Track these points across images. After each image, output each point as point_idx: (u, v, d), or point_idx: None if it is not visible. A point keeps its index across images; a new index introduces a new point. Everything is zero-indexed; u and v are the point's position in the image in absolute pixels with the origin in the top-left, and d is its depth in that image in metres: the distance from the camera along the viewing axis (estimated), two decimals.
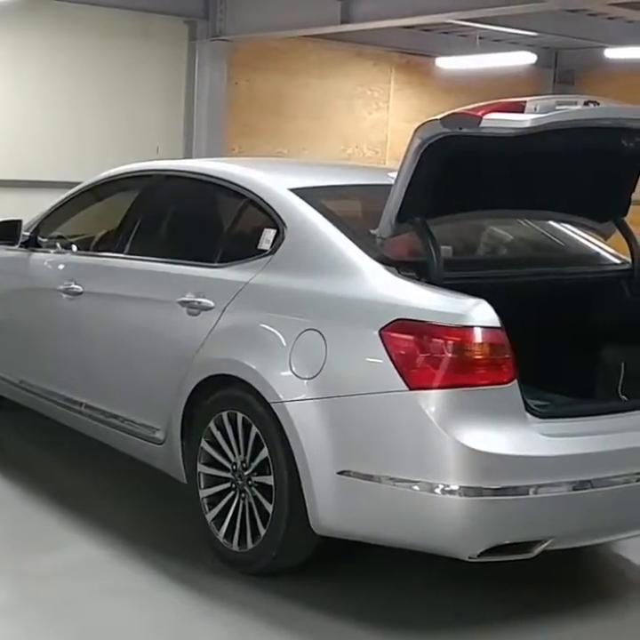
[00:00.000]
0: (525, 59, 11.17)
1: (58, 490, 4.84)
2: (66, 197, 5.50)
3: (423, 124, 3.57)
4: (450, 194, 3.81)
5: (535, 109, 3.46)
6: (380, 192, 4.58)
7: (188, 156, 10.08)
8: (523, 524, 3.46)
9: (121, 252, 4.83)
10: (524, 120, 3.40)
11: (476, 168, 3.68)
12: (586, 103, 3.59)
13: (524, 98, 3.53)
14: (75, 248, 5.34)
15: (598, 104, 3.61)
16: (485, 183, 3.85)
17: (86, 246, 5.29)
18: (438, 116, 3.52)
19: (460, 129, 3.47)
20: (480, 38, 10.54)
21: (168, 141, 10.21)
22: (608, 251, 4.53)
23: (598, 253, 4.51)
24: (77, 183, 5.51)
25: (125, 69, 9.98)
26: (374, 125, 11.82)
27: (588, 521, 3.60)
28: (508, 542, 3.46)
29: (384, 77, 11.87)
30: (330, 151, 11.34)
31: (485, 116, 3.42)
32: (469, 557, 3.45)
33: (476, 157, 3.60)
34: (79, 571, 4.04)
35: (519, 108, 3.47)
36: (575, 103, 3.58)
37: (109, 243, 5.02)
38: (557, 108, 3.51)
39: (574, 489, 3.46)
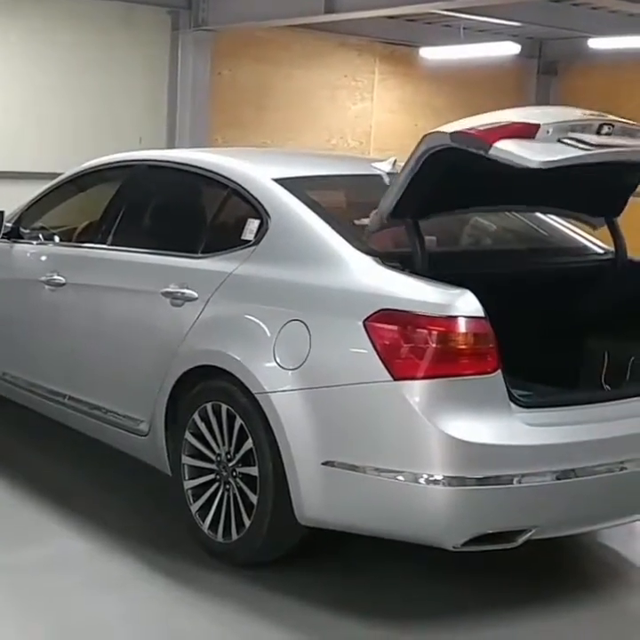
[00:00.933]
0: (509, 49, 11.17)
1: (42, 483, 4.82)
2: (48, 188, 5.47)
3: (432, 133, 3.52)
4: (447, 196, 3.81)
5: (548, 133, 3.46)
6: (364, 182, 4.62)
7: (171, 146, 10.02)
8: (507, 514, 3.47)
9: (103, 242, 4.81)
10: (534, 160, 3.37)
11: (474, 175, 3.63)
12: (602, 126, 3.60)
13: (537, 121, 3.48)
14: (57, 239, 5.31)
15: (613, 126, 3.63)
16: (482, 188, 3.83)
17: (69, 237, 5.26)
18: (448, 130, 3.48)
19: (468, 148, 3.45)
20: (464, 28, 10.52)
21: (151, 132, 10.15)
22: (592, 241, 4.55)
23: (582, 243, 4.52)
24: (59, 174, 5.47)
25: (108, 60, 9.92)
26: (358, 116, 11.79)
27: (571, 510, 3.61)
28: (491, 532, 3.47)
29: (368, 68, 11.84)
30: (314, 142, 11.31)
31: (495, 144, 3.38)
32: (453, 547, 3.46)
33: (475, 167, 3.56)
34: (64, 564, 4.03)
35: (532, 132, 3.46)
36: (591, 126, 3.58)
37: (92, 234, 4.99)
38: (570, 134, 3.52)
39: (558, 478, 3.47)
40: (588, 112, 3.74)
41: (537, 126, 3.47)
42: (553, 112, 3.82)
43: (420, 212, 3.75)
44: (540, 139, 3.47)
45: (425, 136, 3.56)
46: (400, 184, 3.67)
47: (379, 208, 3.77)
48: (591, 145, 3.52)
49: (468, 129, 3.48)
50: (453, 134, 3.46)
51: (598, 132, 3.61)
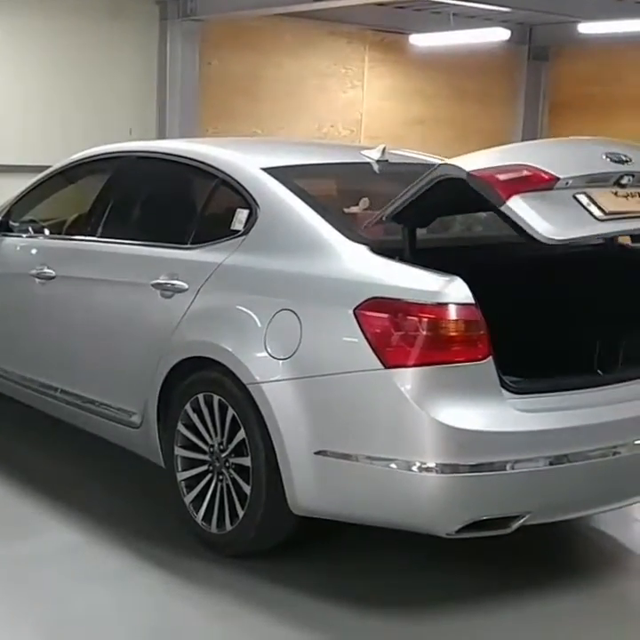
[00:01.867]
0: (499, 35, 11.13)
1: (34, 476, 4.82)
2: (38, 181, 5.44)
3: (450, 164, 3.46)
4: (449, 210, 3.87)
5: (566, 184, 3.46)
6: (353, 170, 4.60)
7: (161, 137, 9.99)
8: (500, 500, 3.47)
9: (93, 235, 4.79)
10: (541, 234, 3.36)
11: (480, 201, 3.56)
12: (622, 177, 3.58)
13: (557, 170, 3.44)
14: (47, 232, 5.29)
15: (633, 177, 3.60)
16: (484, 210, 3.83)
17: (58, 230, 5.25)
18: (467, 167, 3.41)
19: (481, 193, 3.41)
20: (454, 15, 10.48)
21: (141, 123, 10.12)
22: None
23: None
24: (47, 167, 5.45)
25: (96, 51, 9.88)
26: (349, 104, 11.76)
27: (565, 495, 3.62)
28: (485, 518, 3.46)
29: (358, 56, 11.80)
30: (305, 130, 11.28)
31: (509, 201, 3.36)
32: (447, 534, 3.46)
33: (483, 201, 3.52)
34: (57, 556, 4.02)
35: (550, 184, 3.44)
36: (611, 178, 3.57)
37: (81, 226, 4.97)
38: (587, 190, 3.51)
39: (551, 464, 3.47)
40: (610, 149, 3.68)
41: (556, 179, 3.45)
42: (576, 155, 3.76)
43: (419, 222, 3.73)
44: (556, 193, 3.46)
45: (442, 164, 3.49)
46: (408, 196, 3.63)
47: (383, 208, 3.73)
48: (605, 213, 3.51)
49: (486, 173, 3.40)
50: (470, 175, 3.40)
51: (618, 183, 3.61)
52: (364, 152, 4.59)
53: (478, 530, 3.48)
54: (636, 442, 3.70)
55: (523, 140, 12.95)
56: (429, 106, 12.21)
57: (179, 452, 4.08)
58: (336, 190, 4.65)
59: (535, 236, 3.38)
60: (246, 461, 3.78)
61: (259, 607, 3.62)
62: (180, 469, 4.08)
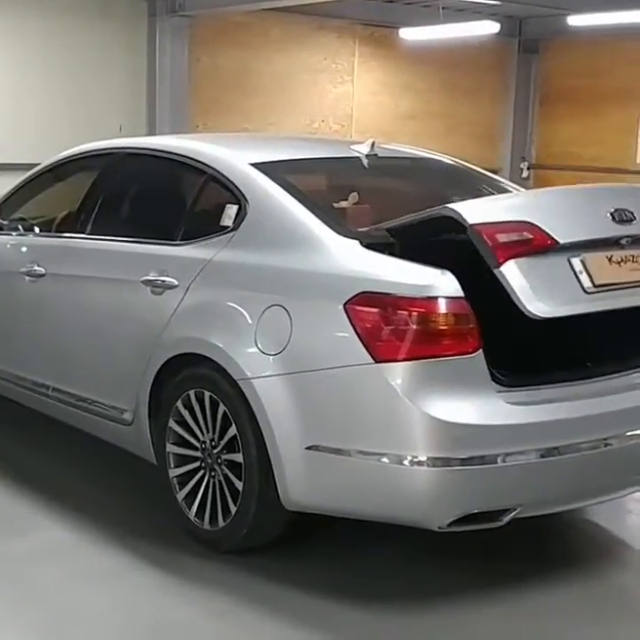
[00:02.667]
0: (489, 28, 11.11)
1: (28, 474, 4.81)
2: (27, 178, 5.43)
3: (455, 210, 3.44)
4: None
5: (564, 248, 3.51)
6: (342, 165, 4.60)
7: (151, 133, 9.97)
8: (491, 493, 3.48)
9: (83, 232, 4.78)
10: (527, 309, 3.43)
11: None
12: (621, 239, 3.63)
13: (556, 236, 3.47)
14: (37, 230, 5.27)
15: (631, 239, 3.66)
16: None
17: (48, 227, 5.23)
18: (470, 217, 3.41)
19: (478, 246, 3.42)
20: (443, 8, 10.46)
21: (131, 119, 10.10)
22: None
23: None
24: (36, 165, 5.43)
25: (86, 49, 9.85)
26: (339, 99, 11.74)
27: (556, 488, 3.62)
28: (476, 511, 3.47)
29: (348, 50, 11.78)
30: (296, 126, 11.27)
31: (503, 266, 3.41)
32: (439, 528, 3.46)
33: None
34: (51, 554, 4.01)
35: (548, 247, 3.49)
36: (609, 239, 3.62)
37: (71, 223, 4.96)
38: (583, 255, 3.57)
39: (542, 456, 3.48)
40: (618, 203, 3.68)
41: (556, 243, 3.49)
42: (581, 212, 3.73)
43: (411, 241, 3.71)
44: (552, 256, 3.51)
45: (449, 207, 3.48)
46: (408, 221, 3.68)
47: (387, 222, 3.76)
48: (594, 285, 3.57)
49: (488, 230, 3.41)
50: (472, 227, 3.41)
51: (618, 243, 3.66)
52: (354, 147, 4.59)
53: (470, 523, 3.49)
54: (628, 433, 3.71)
55: (513, 133, 12.98)
56: (420, 100, 12.20)
57: (170, 448, 4.08)
58: (325, 185, 4.65)
59: (521, 307, 3.44)
60: (238, 457, 3.78)
61: (252, 603, 3.62)
62: (172, 466, 4.08)
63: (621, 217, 3.66)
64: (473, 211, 3.48)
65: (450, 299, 3.41)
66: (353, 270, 3.62)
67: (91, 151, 5.09)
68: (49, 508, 4.41)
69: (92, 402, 4.58)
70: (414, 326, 3.40)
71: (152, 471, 4.29)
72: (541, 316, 3.46)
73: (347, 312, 3.50)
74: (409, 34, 11.53)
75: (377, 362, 3.43)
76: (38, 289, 4.88)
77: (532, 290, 3.45)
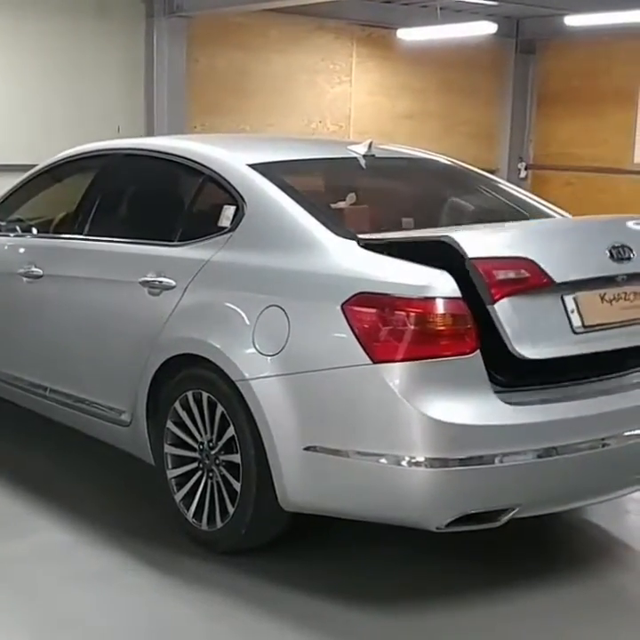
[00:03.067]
0: (486, 28, 11.11)
1: (25, 476, 4.81)
2: (25, 179, 5.43)
3: (457, 240, 3.44)
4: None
5: (560, 287, 3.53)
6: (340, 165, 4.60)
7: (149, 134, 9.95)
8: (489, 494, 3.47)
9: (80, 233, 4.78)
10: (518, 351, 3.46)
11: None
12: (617, 276, 3.65)
13: (553, 274, 3.48)
14: (34, 231, 5.27)
15: (627, 277, 3.69)
16: None
17: (46, 229, 5.23)
18: (471, 251, 3.42)
19: (474, 280, 3.43)
20: (441, 9, 10.46)
21: (129, 120, 10.08)
22: (567, 216, 4.54)
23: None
24: (33, 166, 5.43)
25: (83, 49, 9.83)
26: (337, 99, 11.74)
27: (554, 488, 3.62)
28: (474, 512, 3.47)
29: (346, 51, 11.77)
30: (294, 126, 11.25)
31: (497, 304, 3.42)
32: (437, 528, 3.46)
33: None
34: (47, 556, 4.01)
35: (544, 286, 3.52)
36: (602, 279, 3.66)
37: (69, 224, 4.96)
38: (577, 294, 3.59)
39: (540, 456, 3.48)
40: (619, 238, 3.70)
41: (551, 282, 3.51)
42: (580, 248, 3.74)
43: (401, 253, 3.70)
44: (546, 294, 3.54)
45: (448, 236, 3.48)
46: (406, 239, 3.71)
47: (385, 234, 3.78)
48: (584, 326, 3.60)
49: (487, 265, 3.42)
50: (471, 261, 3.42)
51: (613, 279, 3.67)
52: (351, 147, 4.59)
53: (468, 523, 3.48)
54: (626, 433, 3.70)
55: (511, 134, 12.98)
56: (417, 100, 12.19)
57: (168, 449, 4.08)
58: (323, 186, 4.65)
59: (509, 347, 3.45)
60: (236, 458, 3.78)
61: (250, 605, 3.62)
62: (170, 467, 4.08)
63: (620, 254, 3.68)
64: (473, 242, 3.48)
65: (447, 299, 3.41)
66: (350, 271, 3.62)
67: (88, 152, 5.09)
68: (46, 510, 4.40)
69: (90, 403, 4.57)
70: (412, 327, 3.40)
71: (150, 472, 4.28)
72: (528, 357, 3.48)
73: (344, 313, 3.50)
74: (406, 34, 11.53)
75: (375, 362, 3.43)
76: (36, 290, 4.87)
77: (521, 329, 3.47)
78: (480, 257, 3.44)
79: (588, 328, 3.63)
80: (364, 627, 3.51)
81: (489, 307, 3.44)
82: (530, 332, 3.50)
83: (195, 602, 3.65)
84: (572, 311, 3.61)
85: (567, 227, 3.90)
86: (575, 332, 3.61)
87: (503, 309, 3.45)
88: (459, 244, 3.43)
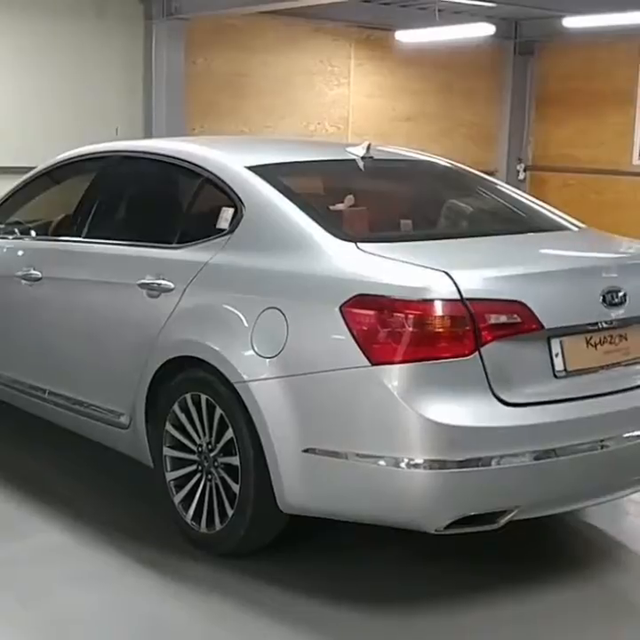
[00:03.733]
0: (485, 30, 11.10)
1: (22, 478, 4.80)
2: (23, 182, 5.43)
3: (451, 275, 3.44)
4: None
5: (547, 332, 3.53)
6: (338, 167, 4.60)
7: (147, 136, 9.94)
8: (488, 495, 3.47)
9: (79, 235, 4.78)
10: (498, 396, 3.44)
11: None
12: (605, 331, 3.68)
13: (544, 320, 3.48)
14: (33, 233, 5.27)
15: (617, 338, 3.73)
16: None
17: (44, 231, 5.22)
18: (465, 292, 3.41)
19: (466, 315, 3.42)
20: (439, 10, 10.45)
21: (127, 122, 10.07)
22: (566, 218, 4.54)
23: (558, 222, 4.51)
24: (34, 168, 5.43)
25: (82, 51, 9.83)
26: (336, 101, 11.73)
27: (553, 489, 3.62)
28: (473, 514, 3.47)
29: (344, 53, 11.77)
30: (292, 128, 11.25)
31: (485, 347, 3.40)
32: (436, 530, 3.46)
33: None
34: (45, 558, 4.01)
35: (533, 330, 3.50)
36: (588, 331, 3.67)
37: (67, 227, 4.96)
38: (563, 337, 3.58)
39: (538, 458, 3.47)
40: (613, 282, 3.70)
41: (541, 328, 3.51)
42: (574, 291, 3.70)
43: None
44: (534, 337, 3.52)
45: (444, 271, 3.46)
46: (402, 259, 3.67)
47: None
48: (566, 371, 3.60)
49: (479, 306, 3.41)
50: (465, 301, 3.40)
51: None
52: (349, 149, 4.60)
53: (467, 525, 3.48)
54: (624, 435, 3.70)
55: (509, 135, 12.98)
56: (416, 102, 12.19)
57: (167, 452, 4.08)
58: (321, 188, 4.65)
59: (489, 390, 3.44)
60: (235, 460, 3.78)
61: (249, 606, 3.62)
62: (168, 469, 4.08)
63: (612, 299, 3.68)
64: (469, 280, 3.45)
65: (446, 301, 3.41)
66: (349, 273, 3.62)
67: (87, 154, 5.09)
68: (44, 511, 4.40)
69: (89, 405, 4.57)
70: (410, 329, 3.40)
71: (149, 474, 4.28)
72: (504, 399, 3.47)
73: (343, 315, 3.50)
74: (405, 36, 11.53)
75: (373, 364, 3.43)
76: (35, 293, 4.87)
77: (503, 373, 3.46)
78: (475, 298, 3.42)
79: (569, 373, 3.63)
80: (364, 628, 3.51)
81: (478, 349, 3.41)
82: (511, 375, 3.50)
83: (193, 604, 3.65)
84: (557, 355, 3.60)
85: (565, 269, 3.83)
86: (556, 377, 3.60)
87: (489, 353, 3.43)
88: (455, 282, 3.41)
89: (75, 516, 4.35)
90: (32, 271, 4.87)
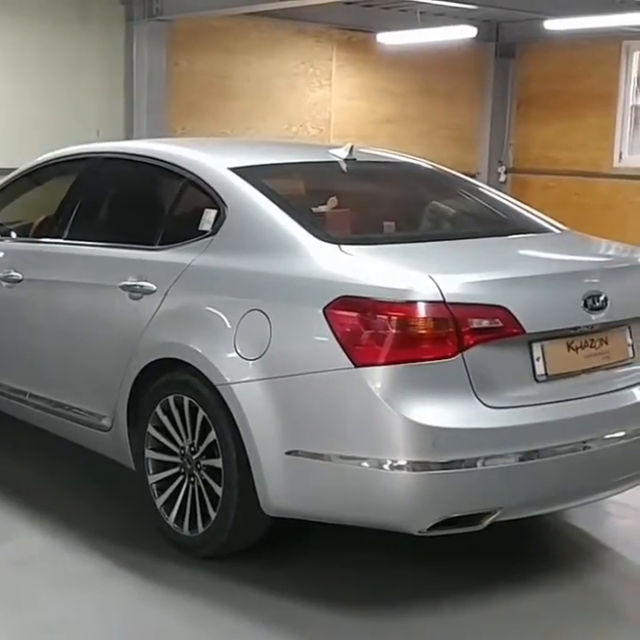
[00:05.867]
0: (466, 32, 11.14)
1: (5, 482, 4.77)
2: (3, 183, 5.40)
3: (434, 279, 3.43)
4: None
5: (529, 335, 3.56)
6: (320, 169, 4.60)
7: (129, 138, 9.91)
8: (471, 497, 3.48)
9: (60, 237, 4.76)
10: (480, 399, 3.45)
11: None
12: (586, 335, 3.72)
13: (526, 325, 3.49)
14: (14, 235, 5.24)
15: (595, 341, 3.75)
16: None
17: (25, 233, 5.20)
18: (448, 296, 3.41)
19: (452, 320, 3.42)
20: (421, 13, 10.47)
21: (109, 124, 10.03)
22: (548, 220, 4.56)
23: (540, 224, 4.53)
24: (15, 170, 5.40)
25: (63, 53, 9.78)
26: (317, 103, 11.73)
27: (536, 491, 3.63)
28: (456, 515, 3.47)
29: (326, 55, 11.77)
30: (274, 130, 11.24)
31: (468, 351, 3.41)
32: (419, 532, 3.46)
33: None
34: (27, 561, 3.98)
35: (514, 334, 3.51)
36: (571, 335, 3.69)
37: (48, 228, 4.94)
38: (545, 342, 3.61)
39: (521, 459, 3.48)
40: (595, 287, 3.70)
41: (523, 332, 3.52)
42: (557, 295, 3.71)
43: None
44: (515, 342, 3.53)
45: (428, 276, 3.46)
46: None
47: None
48: (547, 375, 3.60)
49: (460, 312, 3.42)
50: (447, 304, 3.41)
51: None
52: (332, 151, 4.60)
53: (450, 527, 3.49)
54: (606, 436, 3.72)
55: (491, 138, 13.02)
56: (398, 104, 12.21)
57: (149, 454, 4.06)
58: (304, 189, 4.64)
59: (472, 392, 3.45)
60: (217, 463, 3.77)
61: (232, 609, 3.60)
62: (151, 472, 4.06)
63: (594, 304, 3.70)
64: (451, 284, 3.45)
65: (429, 303, 3.41)
66: (332, 274, 3.62)
67: (68, 156, 5.07)
68: (24, 514, 4.38)
69: (70, 408, 4.55)
70: (394, 330, 3.40)
71: (131, 477, 4.26)
72: (487, 404, 3.47)
73: (326, 316, 3.50)
74: (387, 38, 11.54)
75: (357, 366, 3.43)
76: (15, 294, 4.85)
77: (485, 377, 3.48)
78: (457, 303, 3.43)
79: (550, 377, 3.64)
80: (349, 630, 3.50)
81: (459, 353, 3.42)
82: (492, 380, 3.51)
83: (177, 607, 3.64)
84: (538, 359, 3.61)
85: (546, 272, 3.83)
86: (537, 381, 3.62)
87: (471, 357, 3.44)
88: (438, 286, 3.41)
89: (57, 519, 4.32)
90: (13, 273, 4.85)
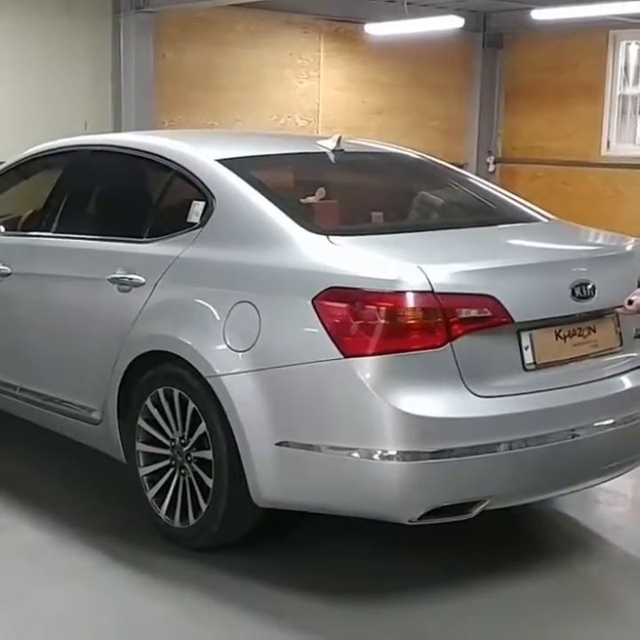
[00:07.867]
0: (453, 23, 11.13)
1: None
2: None
3: (423, 269, 3.44)
4: None
5: (517, 325, 3.57)
6: (308, 160, 4.60)
7: (117, 130, 9.89)
8: (461, 486, 3.49)
9: (48, 230, 4.74)
10: (469, 389, 3.47)
11: None
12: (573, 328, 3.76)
13: (514, 314, 3.51)
14: (1, 228, 5.23)
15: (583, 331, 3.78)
16: None
17: (13, 226, 5.18)
18: (437, 286, 3.42)
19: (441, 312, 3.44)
20: (408, 3, 10.45)
21: (97, 116, 10.01)
22: (536, 210, 4.57)
23: (528, 213, 4.54)
24: (2, 163, 5.38)
25: (49, 45, 9.74)
26: (305, 94, 11.71)
27: (525, 479, 3.64)
28: (446, 504, 3.48)
29: (314, 46, 11.75)
30: (263, 122, 11.22)
31: (456, 341, 3.42)
32: (409, 521, 3.47)
33: None
34: (19, 555, 3.98)
35: (504, 324, 3.53)
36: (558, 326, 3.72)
37: (36, 222, 4.92)
38: (533, 331, 3.61)
39: (510, 448, 3.50)
40: (583, 275, 3.72)
41: (511, 321, 3.53)
42: (544, 284, 3.71)
43: None
44: (504, 331, 3.54)
45: (417, 266, 3.46)
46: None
47: None
48: (536, 364, 3.62)
49: (448, 301, 3.42)
50: (436, 294, 3.41)
51: (572, 316, 3.72)
52: (320, 142, 4.59)
53: (440, 516, 3.50)
54: (595, 424, 3.74)
55: (479, 128, 13.03)
56: (386, 95, 12.20)
57: (140, 447, 4.06)
58: (292, 181, 4.64)
59: (461, 381, 3.46)
60: (208, 454, 3.77)
61: (224, 601, 3.61)
62: (141, 465, 4.06)
63: (582, 293, 3.72)
64: (440, 273, 3.47)
65: (418, 293, 3.42)
66: (321, 265, 3.62)
67: (55, 149, 5.05)
68: (15, 507, 4.38)
69: (61, 401, 4.55)
70: (382, 321, 3.41)
71: (122, 470, 4.27)
72: (476, 394, 3.49)
73: (315, 307, 3.51)
74: (374, 29, 11.52)
75: (346, 357, 3.43)
76: (4, 288, 4.83)
77: (474, 366, 3.49)
78: (445, 292, 3.44)
79: (539, 366, 3.66)
80: (342, 621, 3.51)
81: (448, 343, 3.43)
82: (481, 368, 3.52)
83: (169, 599, 3.65)
84: (527, 348, 3.63)
85: (534, 263, 3.83)
86: (526, 370, 3.63)
87: (460, 347, 3.45)
88: (426, 276, 3.42)
89: (49, 513, 4.32)
90: (1, 266, 4.83)
